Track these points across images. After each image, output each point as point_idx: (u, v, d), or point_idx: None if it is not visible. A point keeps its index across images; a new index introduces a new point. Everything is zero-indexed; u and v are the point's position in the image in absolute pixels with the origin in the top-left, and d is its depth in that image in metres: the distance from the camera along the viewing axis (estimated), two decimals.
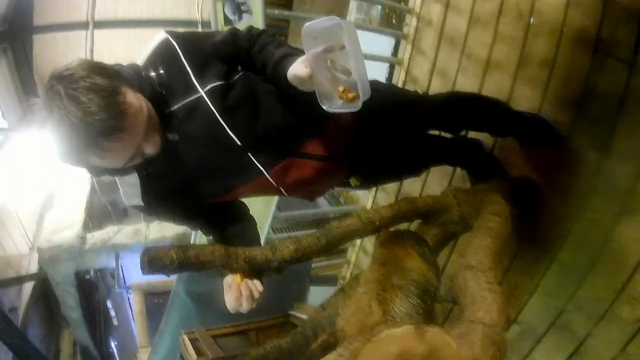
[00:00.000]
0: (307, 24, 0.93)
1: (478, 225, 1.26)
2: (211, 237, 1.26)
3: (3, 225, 4.76)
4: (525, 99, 1.77)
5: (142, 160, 0.97)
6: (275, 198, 2.54)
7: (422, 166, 1.72)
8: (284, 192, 1.24)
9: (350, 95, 0.98)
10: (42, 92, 0.86)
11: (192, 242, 2.77)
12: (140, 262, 0.80)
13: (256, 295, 1.00)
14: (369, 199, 2.83)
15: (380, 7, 4.01)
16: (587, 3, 1.54)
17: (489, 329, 0.83)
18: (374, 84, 1.00)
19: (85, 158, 0.88)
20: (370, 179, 1.52)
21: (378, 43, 3.23)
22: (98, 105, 0.82)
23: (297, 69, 0.97)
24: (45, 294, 5.31)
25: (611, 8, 1.47)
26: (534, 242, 1.79)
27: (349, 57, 0.95)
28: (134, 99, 0.89)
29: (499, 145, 1.87)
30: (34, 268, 5.09)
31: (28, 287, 5.07)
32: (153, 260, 0.81)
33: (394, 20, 3.86)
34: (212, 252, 0.99)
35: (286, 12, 2.43)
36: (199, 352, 2.21)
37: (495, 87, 1.91)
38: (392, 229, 1.24)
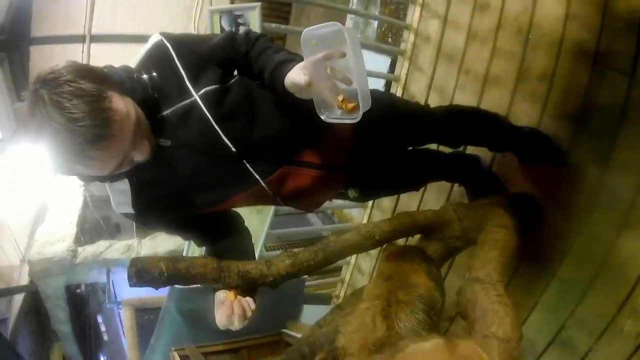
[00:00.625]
0: (306, 29, 0.91)
1: (484, 239, 1.24)
2: (204, 248, 1.22)
3: None
4: (525, 114, 1.76)
5: (131, 167, 0.94)
6: (270, 214, 2.50)
7: (421, 180, 1.69)
8: (280, 201, 1.20)
9: (350, 105, 0.95)
10: (25, 95, 0.82)
11: (185, 254, 2.71)
12: (127, 273, 0.75)
13: (249, 314, 0.97)
14: (363, 217, 2.79)
15: (376, 25, 4.04)
16: (586, 15, 1.54)
17: (505, 343, 0.81)
18: (374, 93, 0.97)
19: (70, 166, 0.84)
20: (369, 191, 1.49)
21: (374, 61, 3.24)
22: (82, 111, 0.78)
23: (295, 76, 0.94)
24: (35, 307, 5.24)
25: (609, 20, 1.47)
26: (534, 258, 1.76)
27: (350, 65, 0.92)
28: (122, 105, 0.85)
29: (497, 160, 1.85)
30: (24, 280, 5.03)
31: (18, 299, 5.01)
32: (141, 271, 0.77)
33: (389, 39, 3.89)
34: (204, 265, 0.95)
35: (283, 27, 2.42)
36: None
37: (493, 103, 1.89)
38: (398, 244, 1.22)
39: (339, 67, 0.93)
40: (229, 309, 0.94)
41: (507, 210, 1.39)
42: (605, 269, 1.55)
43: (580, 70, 1.55)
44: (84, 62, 4.40)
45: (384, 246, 1.25)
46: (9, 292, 4.86)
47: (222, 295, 0.97)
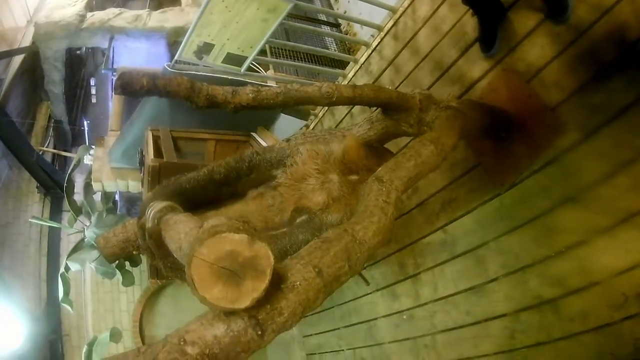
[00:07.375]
0: None
1: (412, 145, 1.26)
2: None
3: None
4: None
5: None
6: (275, 23, 2.37)
7: None
8: None
9: None
10: None
11: (183, 45, 2.59)
12: (114, 84, 0.96)
13: None
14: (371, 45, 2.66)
15: None
16: None
17: (355, 244, 0.83)
18: None
19: None
20: None
21: None
22: None
23: None
24: (32, 67, 5.39)
25: None
26: (488, 170, 1.84)
27: None
28: None
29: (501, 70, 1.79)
30: (27, 42, 5.07)
31: (17, 61, 5.12)
32: (125, 84, 0.98)
33: None
34: (179, 84, 1.17)
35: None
36: (157, 150, 2.34)
37: None
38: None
39: None
40: None
41: (461, 126, 1.41)
42: (539, 222, 1.65)
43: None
44: None
45: None
46: (10, 54, 4.91)
47: None
